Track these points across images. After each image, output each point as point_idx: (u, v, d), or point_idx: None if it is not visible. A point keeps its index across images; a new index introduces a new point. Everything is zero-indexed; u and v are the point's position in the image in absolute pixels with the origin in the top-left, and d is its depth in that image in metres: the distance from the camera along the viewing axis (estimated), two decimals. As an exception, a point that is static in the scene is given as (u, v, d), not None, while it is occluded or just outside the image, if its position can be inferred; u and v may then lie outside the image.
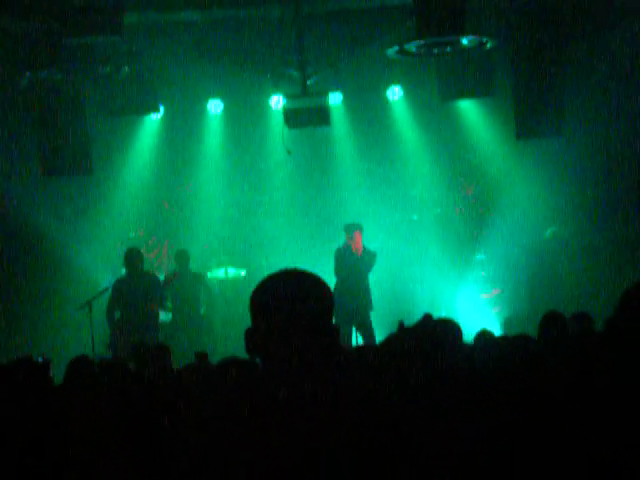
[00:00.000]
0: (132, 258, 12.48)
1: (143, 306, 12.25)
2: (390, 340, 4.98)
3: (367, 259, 12.56)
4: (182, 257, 13.68)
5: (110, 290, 12.50)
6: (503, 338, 4.90)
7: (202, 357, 7.66)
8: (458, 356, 4.12)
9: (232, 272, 14.98)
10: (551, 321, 6.74)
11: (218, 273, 14.96)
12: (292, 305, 2.63)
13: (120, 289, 12.41)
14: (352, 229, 12.59)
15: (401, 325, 5.09)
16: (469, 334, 5.83)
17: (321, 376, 2.62)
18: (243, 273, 14.93)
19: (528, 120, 13.15)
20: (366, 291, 12.62)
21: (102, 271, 14.54)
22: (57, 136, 13.21)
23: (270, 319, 2.63)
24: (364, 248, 12.60)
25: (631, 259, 13.69)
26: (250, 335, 2.70)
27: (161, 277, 13.75)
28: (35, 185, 13.78)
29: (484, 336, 5.87)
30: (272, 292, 2.67)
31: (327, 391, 2.59)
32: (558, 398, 3.70)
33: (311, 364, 2.62)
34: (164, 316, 13.35)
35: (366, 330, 12.44)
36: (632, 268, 13.40)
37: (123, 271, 13.16)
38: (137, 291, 12.28)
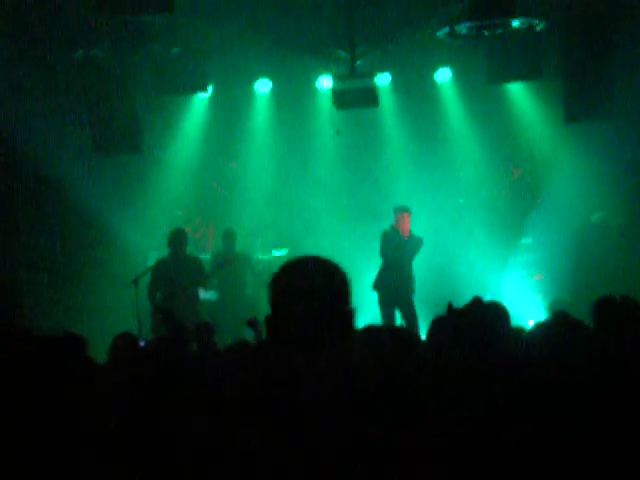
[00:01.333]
0: (177, 239, 12.50)
1: (185, 289, 12.28)
2: (438, 320, 4.92)
3: (412, 244, 12.47)
4: (229, 236, 13.69)
5: (151, 270, 12.53)
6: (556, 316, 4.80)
7: (254, 324, 7.69)
8: (511, 341, 4.06)
9: (277, 253, 14.98)
10: (605, 305, 6.60)
11: (264, 254, 14.97)
12: (303, 292, 2.70)
13: (162, 270, 12.41)
14: (402, 211, 12.49)
15: (450, 307, 5.02)
16: (515, 318, 5.74)
17: (331, 358, 2.67)
18: (287, 254, 14.91)
19: (577, 103, 13.01)
20: (409, 275, 12.53)
21: (149, 249, 14.59)
22: (107, 114, 13.28)
23: (283, 306, 2.72)
24: (411, 233, 12.50)
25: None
26: (269, 322, 2.78)
27: (208, 256, 13.78)
28: (85, 163, 13.82)
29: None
30: (286, 281, 2.76)
31: (338, 372, 2.65)
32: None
33: (322, 347, 2.67)
34: (210, 295, 13.38)
35: (408, 313, 12.37)
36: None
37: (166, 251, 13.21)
38: (179, 273, 12.30)
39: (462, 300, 5.14)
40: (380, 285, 12.44)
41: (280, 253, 14.94)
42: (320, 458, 2.55)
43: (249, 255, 14.00)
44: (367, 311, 12.49)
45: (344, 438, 2.56)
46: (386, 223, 12.72)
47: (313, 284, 2.70)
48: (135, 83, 13.56)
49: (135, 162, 14.27)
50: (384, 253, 12.47)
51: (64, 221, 14.09)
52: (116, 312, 13.08)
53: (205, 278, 12.74)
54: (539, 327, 5.21)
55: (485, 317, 4.09)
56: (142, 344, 8.52)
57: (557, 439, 3.32)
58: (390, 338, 4.80)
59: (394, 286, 12.32)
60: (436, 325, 4.61)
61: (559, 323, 4.79)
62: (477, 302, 4.22)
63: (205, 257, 13.90)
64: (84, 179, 13.83)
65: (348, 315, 2.75)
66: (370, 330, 5.53)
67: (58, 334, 5.67)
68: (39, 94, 13.24)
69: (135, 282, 12.02)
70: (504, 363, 3.77)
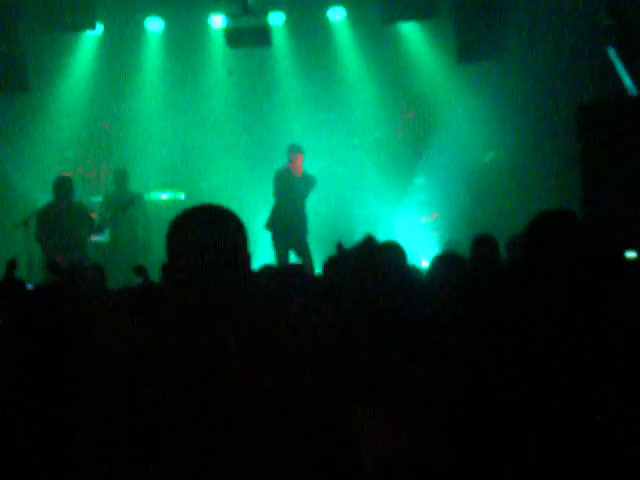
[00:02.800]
0: (62, 188, 12.14)
1: (73, 237, 12.03)
2: (329, 261, 4.91)
3: (305, 183, 12.42)
4: (122, 176, 13.44)
5: (36, 218, 12.19)
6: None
7: (141, 271, 7.60)
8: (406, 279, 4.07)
9: (171, 195, 14.80)
10: (482, 243, 6.72)
11: (157, 195, 14.76)
12: (200, 243, 2.72)
13: (49, 217, 12.08)
14: (295, 150, 12.41)
15: (339, 246, 5.00)
16: (409, 257, 5.76)
17: (224, 304, 2.71)
18: (182, 196, 14.75)
19: (469, 43, 13.05)
20: (302, 215, 12.50)
21: (39, 191, 14.26)
22: (-8, 52, 12.85)
23: (181, 255, 2.73)
24: (304, 172, 12.45)
25: (567, 186, 13.74)
26: (165, 269, 2.76)
27: (100, 198, 13.56)
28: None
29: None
30: (184, 230, 2.76)
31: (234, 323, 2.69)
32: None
33: (219, 300, 2.71)
34: (103, 237, 13.16)
35: (303, 252, 12.37)
36: (566, 196, 13.47)
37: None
38: (67, 222, 12.02)
39: (355, 239, 5.13)
40: (273, 225, 12.40)
41: (177, 195, 14.76)
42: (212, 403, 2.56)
43: (141, 195, 13.77)
44: (261, 250, 12.48)
45: (240, 382, 2.58)
46: (280, 163, 12.65)
47: (210, 234, 2.72)
48: (20, 20, 13.13)
49: (22, 101, 13.88)
50: (277, 193, 12.42)
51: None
52: (6, 254, 12.80)
53: (92, 224, 12.44)
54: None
55: (379, 255, 4.08)
56: (29, 287, 8.36)
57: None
58: (282, 276, 4.79)
59: (287, 226, 12.29)
60: (329, 265, 4.60)
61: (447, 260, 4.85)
62: (369, 240, 4.21)
63: (97, 198, 13.69)
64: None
65: (244, 263, 2.78)
66: (265, 270, 5.51)
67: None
68: None
69: (25, 224, 11.75)
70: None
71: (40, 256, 12.05)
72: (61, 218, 12.06)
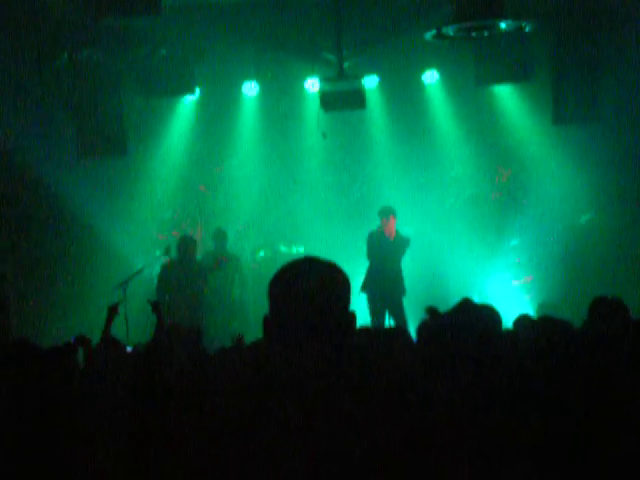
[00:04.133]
0: (187, 245, 12.58)
1: (192, 294, 12.34)
2: (423, 325, 4.90)
3: (399, 244, 12.46)
4: (220, 236, 13.68)
5: (158, 276, 12.56)
6: (543, 321, 4.79)
7: (239, 340, 7.68)
8: (502, 343, 4.03)
9: (263, 254, 14.96)
10: (601, 304, 6.56)
11: (252, 256, 14.94)
12: (304, 294, 2.65)
13: (169, 275, 12.47)
14: (385, 213, 12.50)
15: (432, 311, 4.97)
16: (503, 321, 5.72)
17: (328, 362, 2.64)
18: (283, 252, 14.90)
19: (566, 105, 13.03)
20: (398, 276, 12.52)
21: (137, 252, 14.54)
22: (93, 117, 13.23)
23: (283, 308, 2.67)
24: (397, 233, 12.50)
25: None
26: (267, 323, 2.72)
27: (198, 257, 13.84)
28: (71, 166, 13.77)
29: (524, 321, 5.74)
30: (285, 281, 2.70)
31: (334, 378, 2.61)
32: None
33: (322, 351, 2.63)
34: None
35: (398, 315, 12.37)
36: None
37: (158, 254, 13.20)
38: (188, 277, 12.36)
39: (450, 302, 5.11)
40: (368, 287, 12.45)
41: (265, 254, 14.91)
42: (319, 459, 2.53)
43: (238, 257, 13.96)
44: (357, 313, 12.46)
45: (341, 444, 2.53)
46: (373, 225, 12.71)
47: (315, 286, 2.66)
48: (122, 86, 13.50)
49: (121, 165, 14.21)
50: (370, 254, 12.50)
51: (52, 226, 14.04)
52: (104, 317, 13.01)
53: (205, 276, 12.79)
54: (523, 328, 5.20)
55: (475, 320, 4.06)
56: (129, 349, 8.49)
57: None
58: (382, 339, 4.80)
59: (381, 287, 12.33)
60: (423, 329, 4.60)
61: (546, 326, 4.77)
62: (466, 304, 4.19)
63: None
64: (71, 183, 13.78)
65: (349, 318, 2.73)
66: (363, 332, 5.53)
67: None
68: (25, 97, 13.19)
69: (123, 286, 11.97)
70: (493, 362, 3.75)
71: (136, 319, 12.28)
72: (184, 277, 12.39)
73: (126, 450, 3.94)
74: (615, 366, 4.03)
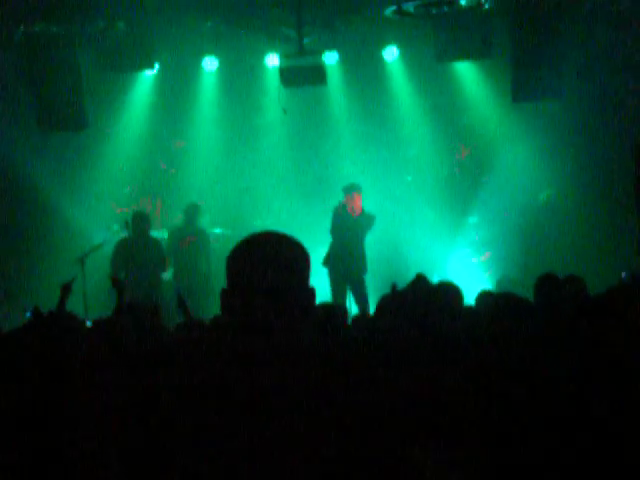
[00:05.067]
0: (140, 221, 12.49)
1: (148, 272, 12.27)
2: (382, 302, 4.93)
3: (364, 222, 12.43)
4: (190, 212, 13.61)
5: (113, 251, 12.47)
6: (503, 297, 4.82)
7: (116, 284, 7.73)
8: (459, 320, 4.05)
9: (224, 231, 14.91)
10: (546, 282, 6.66)
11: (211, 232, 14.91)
12: (262, 266, 2.62)
13: (125, 251, 12.39)
14: (352, 190, 12.45)
15: (394, 287, 5.02)
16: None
17: (283, 338, 2.61)
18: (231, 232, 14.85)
19: (525, 82, 13.02)
20: (360, 253, 12.50)
21: (95, 227, 14.46)
22: (51, 91, 13.09)
23: (241, 282, 2.64)
24: (363, 210, 12.46)
25: (624, 226, 13.62)
26: (224, 296, 2.70)
27: (165, 234, 13.76)
28: (29, 141, 13.67)
29: (486, 297, 5.76)
30: (243, 254, 2.67)
31: (292, 356, 2.60)
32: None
33: (279, 328, 2.61)
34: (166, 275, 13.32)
35: (359, 292, 12.38)
36: (623, 235, 13.35)
37: (116, 229, 13.12)
38: (143, 256, 12.28)
39: (409, 279, 5.15)
40: (330, 262, 12.43)
41: (229, 232, 14.86)
42: (277, 441, 2.51)
43: (208, 232, 13.89)
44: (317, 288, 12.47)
45: (300, 422, 2.53)
46: (334, 201, 12.69)
47: (275, 258, 2.63)
48: (80, 59, 13.36)
49: (80, 139, 14.11)
50: (333, 230, 12.45)
51: (7, 199, 13.92)
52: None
53: (165, 261, 12.75)
54: (484, 306, 5.23)
55: (430, 295, 4.10)
56: (88, 324, 8.45)
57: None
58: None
59: (345, 264, 12.32)
60: (382, 306, 4.61)
61: (505, 302, 4.81)
62: (420, 280, 4.21)
63: (160, 234, 13.89)
64: (28, 157, 13.68)
65: (309, 293, 2.71)
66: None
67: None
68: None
69: (81, 260, 11.92)
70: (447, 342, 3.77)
71: (94, 294, 12.23)
72: (139, 253, 12.31)
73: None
74: (566, 345, 4.07)
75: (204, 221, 14.87)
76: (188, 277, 13.25)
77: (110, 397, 4.05)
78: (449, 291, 4.72)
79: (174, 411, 2.58)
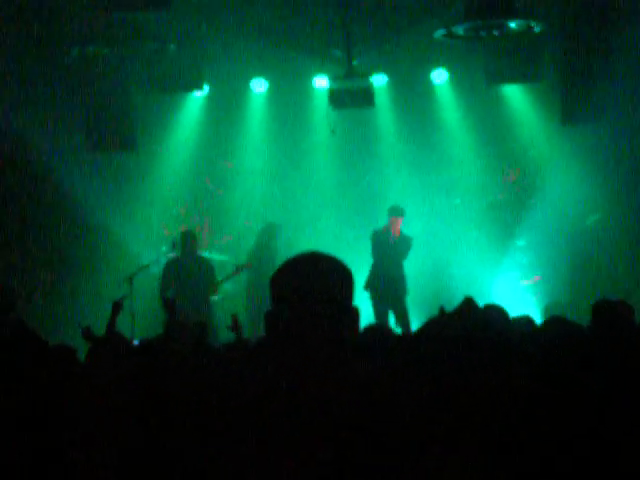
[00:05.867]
0: (188, 241, 12.53)
1: (198, 289, 12.29)
2: (429, 325, 4.90)
3: (404, 244, 12.47)
4: (266, 233, 13.67)
5: (162, 271, 12.53)
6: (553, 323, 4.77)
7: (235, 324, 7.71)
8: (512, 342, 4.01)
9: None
10: (603, 308, 6.52)
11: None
12: (307, 289, 2.60)
13: (175, 270, 12.43)
14: (397, 212, 12.50)
15: (442, 310, 4.98)
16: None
17: (332, 361, 2.59)
18: None
19: (575, 105, 12.99)
20: (401, 276, 12.54)
21: (144, 247, 14.55)
22: (102, 111, 13.24)
23: (286, 303, 2.62)
24: (401, 234, 12.51)
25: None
26: (269, 318, 2.67)
27: (214, 255, 13.82)
28: (80, 160, 13.81)
29: (523, 322, 5.70)
30: (288, 275, 2.65)
31: (334, 376, 2.57)
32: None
33: (323, 349, 2.58)
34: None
35: (400, 314, 12.37)
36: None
37: (164, 250, 13.20)
38: (192, 274, 12.32)
39: (455, 301, 5.10)
40: (371, 285, 12.45)
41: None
42: (318, 461, 2.49)
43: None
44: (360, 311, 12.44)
45: (343, 444, 2.49)
46: (379, 223, 12.71)
47: (318, 281, 2.61)
48: (130, 81, 13.52)
49: (130, 160, 14.23)
50: (374, 253, 12.50)
51: (59, 219, 14.05)
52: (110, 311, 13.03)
53: (215, 282, 12.72)
54: (534, 330, 5.18)
55: (479, 318, 4.06)
56: (136, 343, 8.49)
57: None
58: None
59: (385, 286, 12.33)
60: (427, 328, 4.58)
61: (556, 327, 4.76)
62: (469, 303, 4.18)
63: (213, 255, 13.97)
64: (79, 177, 13.81)
65: (353, 314, 2.68)
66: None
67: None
68: (35, 92, 13.22)
69: (129, 280, 11.99)
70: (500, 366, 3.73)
71: (142, 314, 12.29)
72: (189, 272, 12.35)
73: (125, 450, 3.92)
74: (623, 370, 4.02)
75: (251, 242, 14.93)
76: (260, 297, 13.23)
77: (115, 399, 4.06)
78: (496, 314, 4.68)
79: (180, 413, 2.58)
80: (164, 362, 5.27)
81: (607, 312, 6.27)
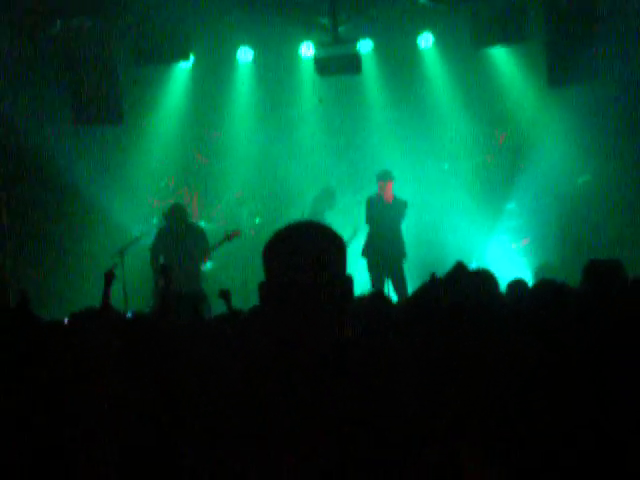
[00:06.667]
0: (178, 212, 12.43)
1: (190, 257, 12.24)
2: (421, 291, 4.93)
3: (398, 208, 12.46)
4: (328, 198, 13.68)
5: (154, 239, 12.47)
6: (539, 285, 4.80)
7: (225, 295, 7.71)
8: (496, 308, 4.04)
9: (260, 221, 14.97)
10: (594, 269, 6.55)
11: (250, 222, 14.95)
12: (299, 258, 2.60)
13: (165, 239, 12.37)
14: (384, 177, 12.48)
15: (433, 277, 5.02)
16: (501, 283, 5.74)
17: (327, 329, 2.60)
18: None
19: (561, 66, 12.96)
20: (398, 240, 12.51)
21: (133, 220, 14.54)
22: (88, 85, 13.19)
23: (279, 272, 2.62)
24: (394, 197, 12.50)
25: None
26: (263, 289, 2.68)
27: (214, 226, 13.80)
28: (66, 134, 13.75)
29: (519, 286, 5.74)
30: (281, 245, 2.66)
31: (332, 345, 2.58)
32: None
33: (318, 317, 2.59)
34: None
35: (397, 279, 12.39)
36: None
37: (155, 222, 13.20)
38: (184, 242, 12.26)
39: (447, 266, 5.14)
40: (368, 252, 12.47)
41: (262, 220, 14.91)
42: (317, 428, 2.51)
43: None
44: (355, 278, 12.46)
45: (341, 412, 2.51)
46: (371, 189, 12.71)
47: (310, 250, 2.60)
48: (115, 53, 13.44)
49: (116, 132, 14.18)
50: (369, 219, 12.49)
51: (46, 193, 14.01)
52: (101, 283, 13.03)
53: (206, 250, 12.63)
54: (525, 294, 5.21)
55: (470, 284, 4.09)
56: (129, 315, 8.50)
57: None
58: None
59: (382, 251, 12.33)
60: (420, 294, 4.61)
61: (546, 290, 4.78)
62: (460, 268, 4.20)
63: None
64: (66, 150, 13.76)
65: (347, 282, 2.69)
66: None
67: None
68: (19, 66, 13.15)
69: (120, 253, 11.99)
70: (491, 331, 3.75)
71: (134, 286, 12.30)
72: (180, 242, 12.28)
73: (126, 447, 3.92)
74: (615, 327, 4.05)
75: (243, 212, 14.94)
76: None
77: (117, 393, 4.06)
78: (485, 279, 4.71)
79: (187, 410, 2.58)
80: (159, 339, 5.26)
81: (597, 271, 6.30)
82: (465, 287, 4.10)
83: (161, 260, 12.22)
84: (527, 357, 3.64)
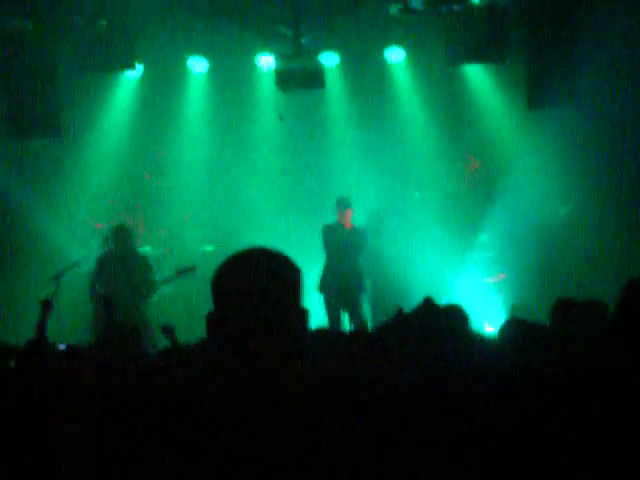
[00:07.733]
0: (123, 236, 12.34)
1: (133, 288, 12.15)
2: (384, 327, 4.85)
3: (357, 237, 12.38)
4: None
5: (95, 266, 12.35)
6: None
7: (169, 332, 7.64)
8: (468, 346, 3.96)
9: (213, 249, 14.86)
10: (560, 308, 6.54)
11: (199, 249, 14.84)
12: (251, 288, 2.58)
13: (106, 263, 12.27)
14: (344, 204, 12.41)
15: (399, 312, 4.94)
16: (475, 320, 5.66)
17: (276, 366, 2.56)
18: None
19: (541, 89, 13.00)
20: (356, 273, 12.40)
21: (72, 243, 14.38)
22: (23, 94, 13.06)
23: (228, 304, 2.59)
24: (353, 227, 12.42)
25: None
26: (210, 319, 2.66)
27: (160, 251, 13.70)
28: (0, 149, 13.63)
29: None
30: (231, 274, 2.62)
31: (279, 382, 2.55)
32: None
33: (269, 354, 2.57)
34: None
35: (356, 314, 12.26)
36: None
37: (95, 245, 13.05)
38: (126, 270, 12.16)
39: (415, 301, 5.03)
40: (324, 286, 12.34)
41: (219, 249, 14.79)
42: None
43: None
44: (312, 313, 12.35)
45: (295, 450, 2.48)
46: (332, 216, 12.63)
47: (263, 280, 2.58)
48: (57, 59, 13.33)
49: (55, 147, 14.05)
50: (326, 249, 12.39)
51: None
52: (35, 311, 12.86)
53: (153, 282, 12.55)
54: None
55: (437, 320, 3.99)
56: (62, 347, 8.32)
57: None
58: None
59: (338, 286, 12.22)
60: (382, 331, 4.51)
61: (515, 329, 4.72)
62: (428, 303, 4.11)
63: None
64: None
65: (302, 315, 2.65)
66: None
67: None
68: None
69: (56, 279, 11.84)
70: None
71: (71, 315, 12.13)
72: (125, 270, 12.20)
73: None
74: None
75: (195, 237, 14.82)
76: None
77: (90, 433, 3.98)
78: (456, 316, 4.66)
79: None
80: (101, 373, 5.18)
81: (565, 310, 6.27)
82: (436, 324, 4.02)
83: (101, 290, 12.12)
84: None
